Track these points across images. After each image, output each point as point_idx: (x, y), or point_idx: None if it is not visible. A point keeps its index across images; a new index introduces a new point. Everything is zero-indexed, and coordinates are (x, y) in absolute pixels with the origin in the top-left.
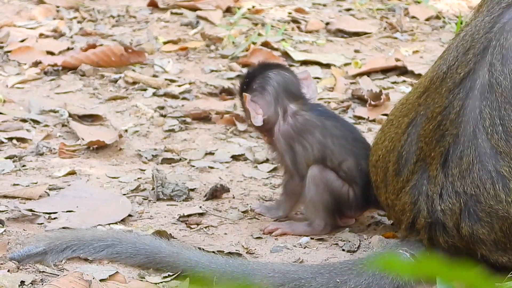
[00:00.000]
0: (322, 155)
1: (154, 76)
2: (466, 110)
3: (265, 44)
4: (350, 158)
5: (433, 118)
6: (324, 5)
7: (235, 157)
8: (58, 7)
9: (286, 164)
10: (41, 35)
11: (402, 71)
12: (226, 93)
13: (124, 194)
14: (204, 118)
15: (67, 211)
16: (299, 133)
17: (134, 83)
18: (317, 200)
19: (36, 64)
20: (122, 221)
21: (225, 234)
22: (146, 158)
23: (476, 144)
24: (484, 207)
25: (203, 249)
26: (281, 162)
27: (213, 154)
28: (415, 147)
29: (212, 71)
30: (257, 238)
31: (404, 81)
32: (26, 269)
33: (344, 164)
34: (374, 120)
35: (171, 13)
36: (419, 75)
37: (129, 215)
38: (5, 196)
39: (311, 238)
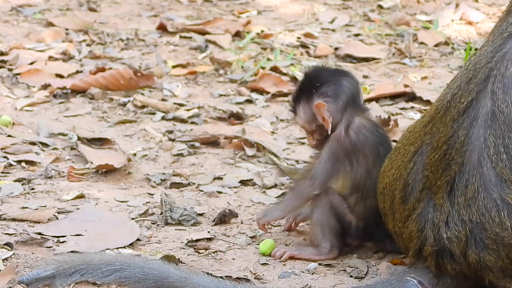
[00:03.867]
0: (358, 184)
1: (163, 100)
2: (470, 139)
3: (274, 69)
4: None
5: (438, 147)
6: (333, 30)
7: (243, 182)
8: (67, 29)
9: (317, 169)
10: (50, 57)
11: (410, 97)
12: (234, 117)
13: (133, 218)
14: (212, 142)
15: (75, 235)
16: (355, 150)
17: (143, 106)
18: (323, 222)
19: (45, 87)
20: (131, 245)
21: (233, 259)
22: (154, 182)
23: (481, 172)
24: (490, 234)
25: (211, 274)
26: (313, 164)
27: (221, 179)
28: (421, 175)
29: (220, 95)
30: (265, 263)
31: (412, 107)
32: None
33: (367, 201)
34: None
35: (180, 36)
36: (428, 101)
37: (138, 240)
38: (13, 219)
39: (319, 264)
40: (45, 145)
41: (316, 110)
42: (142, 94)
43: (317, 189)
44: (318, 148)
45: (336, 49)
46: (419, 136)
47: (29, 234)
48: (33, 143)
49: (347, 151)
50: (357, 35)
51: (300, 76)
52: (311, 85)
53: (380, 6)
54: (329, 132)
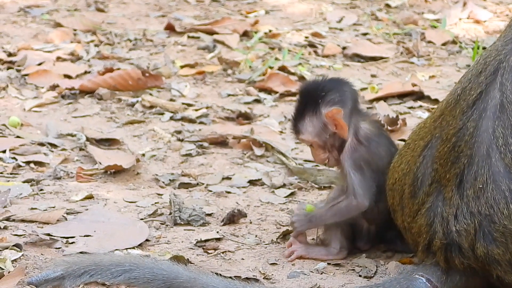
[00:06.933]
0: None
1: (171, 100)
2: (479, 131)
3: (282, 69)
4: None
5: (447, 140)
6: (341, 30)
7: (252, 182)
8: (75, 30)
9: (352, 185)
10: (58, 58)
11: (418, 96)
12: (243, 117)
13: (142, 219)
14: (221, 142)
15: (84, 236)
16: (372, 155)
17: (151, 107)
18: (334, 222)
19: (53, 87)
20: (140, 246)
21: (242, 259)
22: (163, 182)
23: (490, 164)
24: (498, 227)
25: (220, 275)
26: (343, 182)
27: (230, 179)
28: (430, 169)
29: (229, 95)
30: (274, 263)
31: (420, 106)
32: None
33: (380, 204)
34: None
35: (188, 36)
36: (436, 100)
37: (147, 240)
38: (22, 220)
39: (328, 264)
40: (53, 146)
41: (328, 118)
42: (151, 94)
43: (365, 203)
44: (331, 164)
45: (344, 48)
46: (429, 130)
47: (38, 235)
48: (42, 144)
49: (365, 158)
50: (365, 34)
51: (308, 75)
52: (314, 97)
53: (387, 5)
54: (346, 138)
